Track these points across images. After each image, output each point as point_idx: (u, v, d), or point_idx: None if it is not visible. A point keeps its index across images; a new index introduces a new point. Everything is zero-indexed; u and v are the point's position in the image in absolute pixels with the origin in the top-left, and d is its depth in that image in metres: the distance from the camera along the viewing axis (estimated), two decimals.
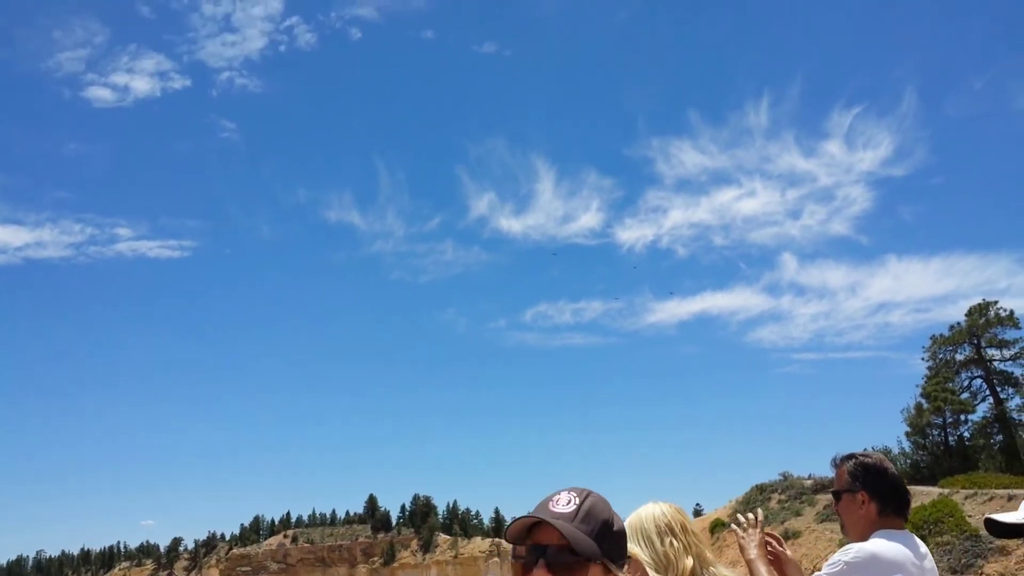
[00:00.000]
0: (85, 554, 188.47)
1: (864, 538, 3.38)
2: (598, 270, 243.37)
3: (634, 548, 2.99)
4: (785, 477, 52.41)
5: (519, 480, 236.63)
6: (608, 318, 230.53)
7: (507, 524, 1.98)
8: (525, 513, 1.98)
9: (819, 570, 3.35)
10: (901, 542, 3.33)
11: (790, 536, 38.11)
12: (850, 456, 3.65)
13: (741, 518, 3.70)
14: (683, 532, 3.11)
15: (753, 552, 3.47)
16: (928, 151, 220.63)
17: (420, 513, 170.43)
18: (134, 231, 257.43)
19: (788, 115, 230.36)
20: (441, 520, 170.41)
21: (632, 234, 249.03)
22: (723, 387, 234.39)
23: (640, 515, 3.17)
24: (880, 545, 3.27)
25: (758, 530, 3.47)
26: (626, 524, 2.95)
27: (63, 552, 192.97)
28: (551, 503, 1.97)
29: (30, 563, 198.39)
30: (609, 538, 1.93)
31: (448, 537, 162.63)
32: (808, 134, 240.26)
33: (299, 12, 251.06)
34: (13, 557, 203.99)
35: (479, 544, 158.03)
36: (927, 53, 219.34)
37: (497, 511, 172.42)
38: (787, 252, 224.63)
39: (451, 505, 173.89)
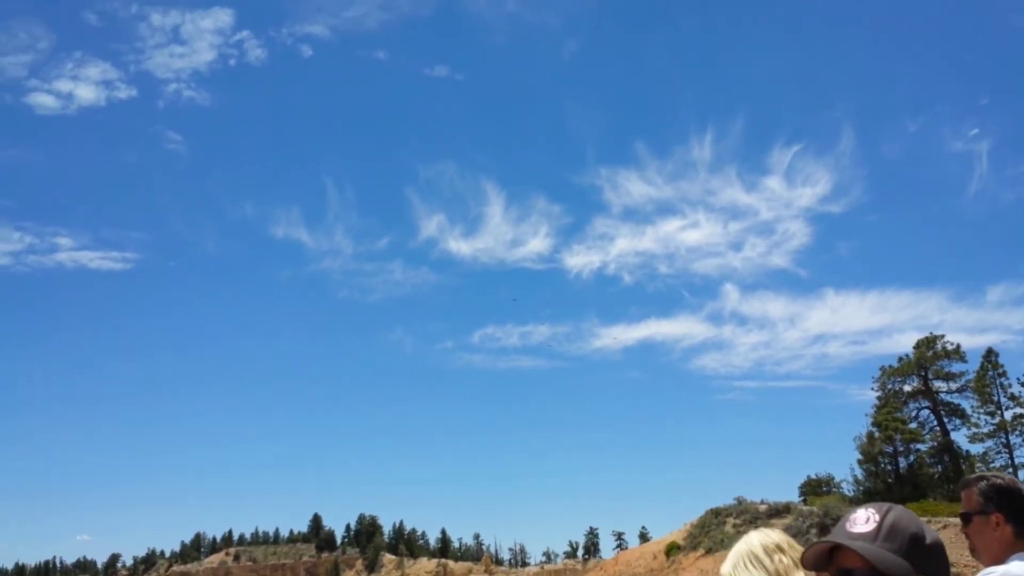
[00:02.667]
0: (20, 569, 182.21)
1: (999, 561, 3.26)
2: (546, 294, 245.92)
3: (742, 572, 3.04)
4: (739, 502, 53.52)
5: (466, 501, 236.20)
6: (555, 342, 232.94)
7: (804, 550, 1.98)
8: (822, 539, 1.94)
9: None
10: None
11: None
12: (980, 477, 3.53)
13: None
14: (791, 548, 3.10)
15: None
16: (864, 189, 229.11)
17: (365, 533, 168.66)
18: (75, 241, 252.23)
19: (730, 150, 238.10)
20: (387, 540, 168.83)
21: (579, 260, 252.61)
22: (667, 412, 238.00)
23: (746, 539, 3.23)
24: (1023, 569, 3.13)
25: None
26: (732, 552, 3.08)
27: None
28: (849, 524, 1.87)
29: None
30: (921, 553, 1.77)
31: (394, 557, 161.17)
32: (749, 169, 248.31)
33: (250, 27, 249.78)
34: None
35: (425, 565, 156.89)
36: (864, 95, 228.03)
37: (444, 532, 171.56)
38: (729, 283, 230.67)
39: (397, 525, 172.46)
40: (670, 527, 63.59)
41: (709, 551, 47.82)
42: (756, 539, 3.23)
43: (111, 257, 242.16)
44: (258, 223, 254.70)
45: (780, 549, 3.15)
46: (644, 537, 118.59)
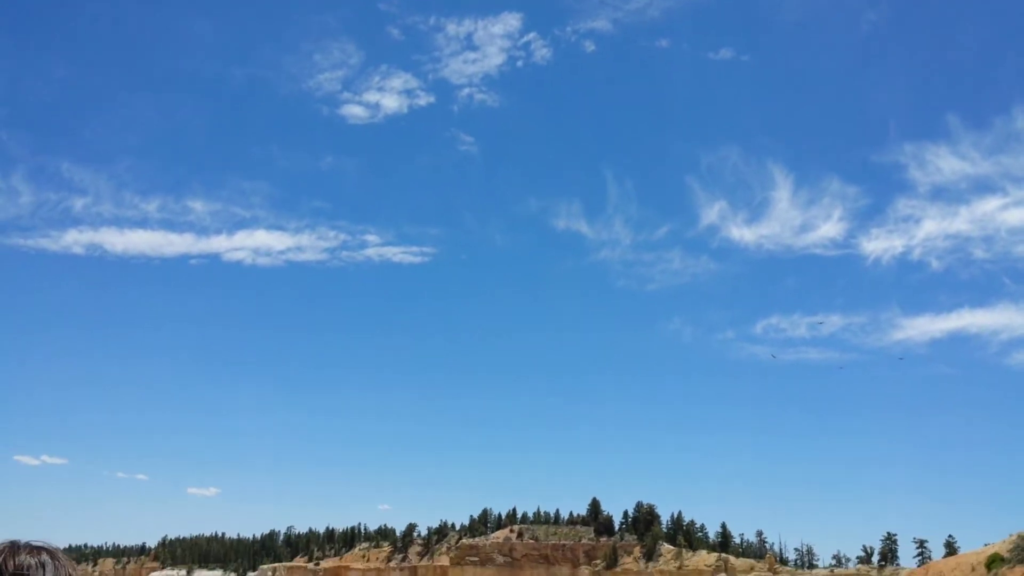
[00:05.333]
0: (330, 533, 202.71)
1: None
2: (838, 282, 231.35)
3: None
4: None
5: (747, 496, 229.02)
6: (849, 333, 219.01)
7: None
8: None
9: None
10: None
11: None
12: None
13: None
14: None
15: None
16: None
17: (643, 520, 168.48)
18: (381, 238, 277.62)
19: None
20: (665, 530, 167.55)
21: (879, 245, 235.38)
22: (980, 411, 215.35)
23: None
24: None
25: None
26: None
27: (310, 530, 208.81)
28: None
29: (281, 537, 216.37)
30: None
31: (672, 548, 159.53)
32: None
33: (536, 28, 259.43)
34: (267, 531, 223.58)
35: (705, 558, 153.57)
36: None
37: (724, 526, 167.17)
38: None
39: (675, 516, 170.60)
40: (985, 537, 56.74)
41: None
42: None
43: (411, 252, 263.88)
44: (541, 216, 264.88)
45: None
46: (951, 547, 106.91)
